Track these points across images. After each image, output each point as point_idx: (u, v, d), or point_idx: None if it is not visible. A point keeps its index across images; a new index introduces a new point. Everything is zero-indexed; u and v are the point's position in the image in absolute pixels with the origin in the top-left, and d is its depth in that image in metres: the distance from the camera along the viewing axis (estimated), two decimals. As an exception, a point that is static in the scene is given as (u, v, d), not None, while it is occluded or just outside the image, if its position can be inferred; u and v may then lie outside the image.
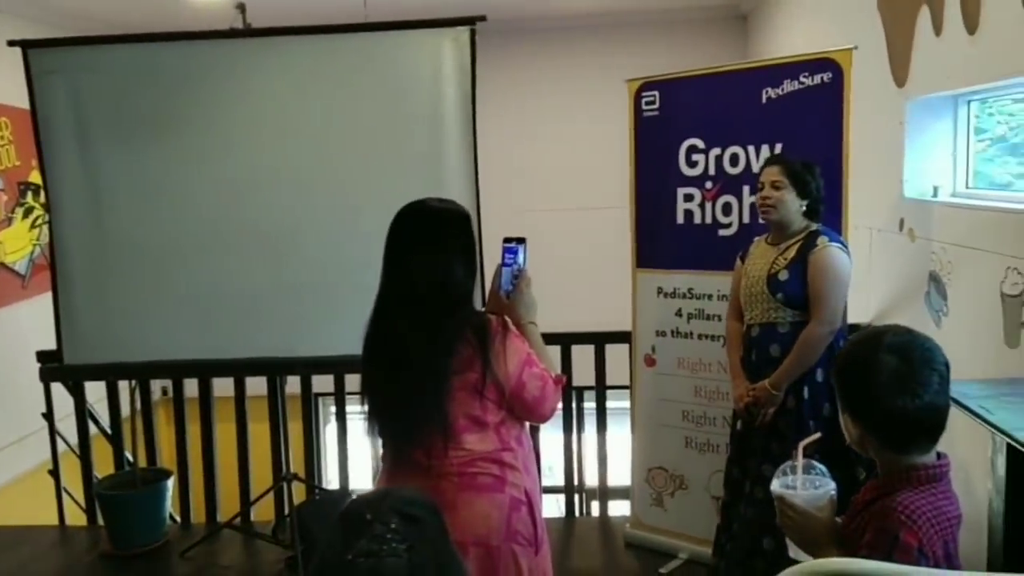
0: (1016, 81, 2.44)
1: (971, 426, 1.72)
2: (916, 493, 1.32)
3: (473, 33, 3.21)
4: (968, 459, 2.34)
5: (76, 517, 3.95)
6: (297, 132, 3.32)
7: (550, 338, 2.30)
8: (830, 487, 1.45)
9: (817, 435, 1.56)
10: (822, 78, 2.87)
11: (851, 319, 2.72)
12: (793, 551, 1.46)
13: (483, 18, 3.21)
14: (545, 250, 3.49)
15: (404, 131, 3.31)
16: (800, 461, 1.46)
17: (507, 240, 1.93)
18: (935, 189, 3.03)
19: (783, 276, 2.54)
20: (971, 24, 2.54)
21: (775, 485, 1.47)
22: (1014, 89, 2.62)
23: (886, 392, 1.32)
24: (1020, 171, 2.81)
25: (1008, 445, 1.53)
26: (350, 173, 3.32)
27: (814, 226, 2.60)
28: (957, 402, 1.61)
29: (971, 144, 2.97)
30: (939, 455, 1.38)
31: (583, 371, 3.63)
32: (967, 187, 2.97)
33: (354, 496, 1.03)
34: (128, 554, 3.44)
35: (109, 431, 3.89)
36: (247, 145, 3.33)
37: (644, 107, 3.28)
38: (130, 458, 3.73)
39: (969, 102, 2.94)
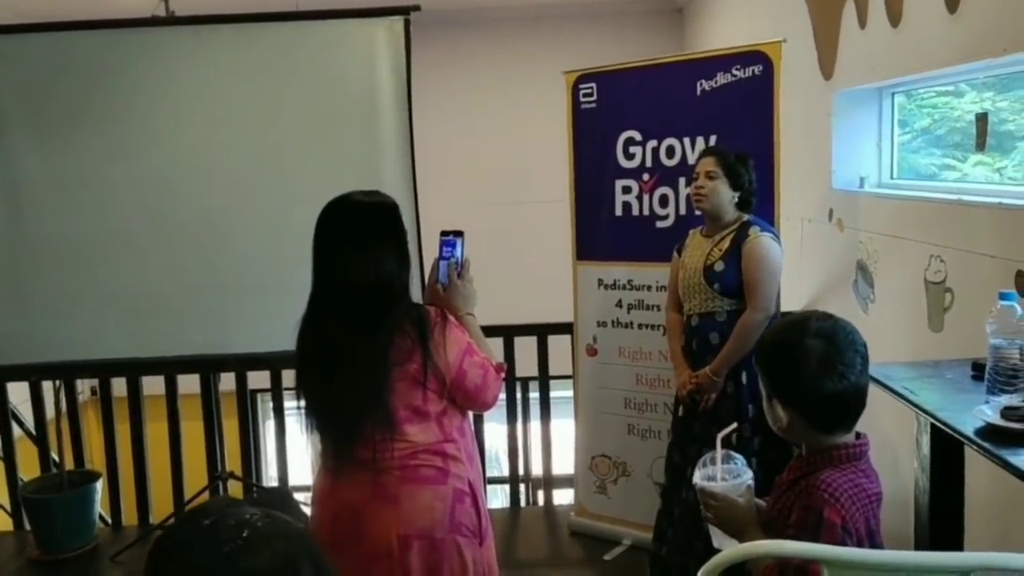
0: (937, 73, 2.54)
1: (897, 408, 1.78)
2: (838, 471, 1.37)
3: (407, 22, 3.17)
4: (895, 440, 2.43)
5: (1, 522, 3.80)
6: (225, 125, 3.23)
7: (493, 330, 2.30)
8: (747, 476, 1.49)
9: (733, 426, 1.61)
10: (753, 70, 2.93)
11: (783, 307, 2.79)
12: (717, 540, 1.49)
13: (417, 7, 3.17)
14: (486, 244, 3.49)
15: (338, 123, 3.25)
16: (719, 452, 1.49)
17: (444, 233, 1.93)
18: (862, 180, 3.13)
19: (719, 267, 2.60)
20: (894, 17, 2.63)
21: (697, 477, 1.51)
22: (936, 81, 2.72)
23: (815, 376, 1.37)
24: (943, 162, 2.91)
25: (932, 425, 1.59)
26: (281, 167, 3.25)
27: (746, 217, 2.66)
28: (884, 384, 1.67)
29: (896, 135, 3.08)
30: (858, 435, 1.43)
31: (526, 362, 3.65)
32: (892, 178, 3.08)
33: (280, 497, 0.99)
34: (57, 559, 3.33)
35: (34, 432, 3.75)
36: (172, 138, 3.23)
37: (582, 99, 3.30)
38: (56, 459, 3.61)
39: (893, 94, 3.04)
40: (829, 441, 1.40)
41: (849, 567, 1.10)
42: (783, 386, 1.41)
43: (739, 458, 1.51)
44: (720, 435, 1.50)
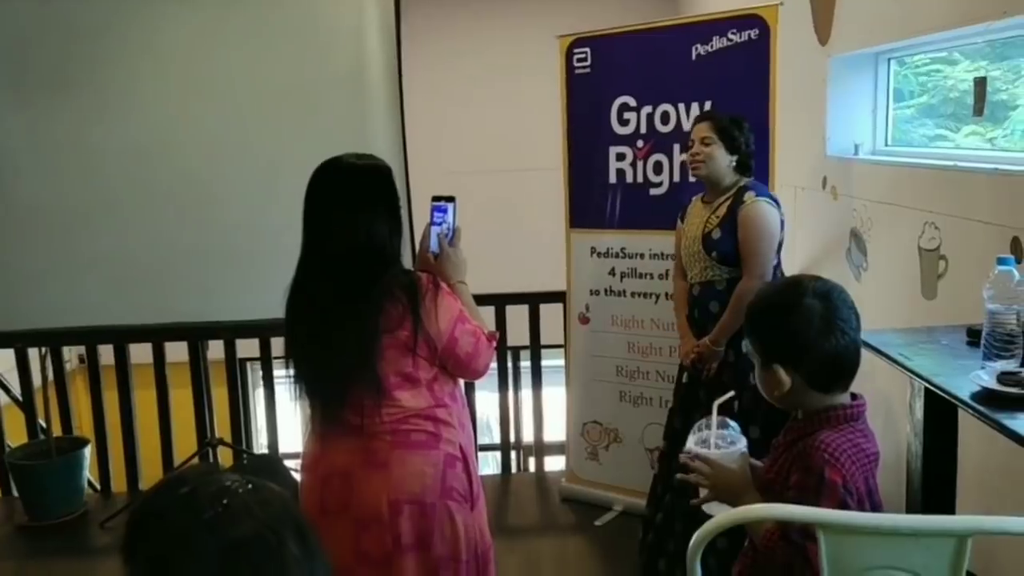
0: (935, 37, 2.50)
1: (892, 374, 1.77)
2: (836, 432, 1.36)
3: (397, -16, 3.11)
4: (886, 406, 2.43)
5: (-12, 489, 3.78)
6: (209, 89, 3.17)
7: (485, 299, 2.28)
8: (742, 444, 1.48)
9: (730, 394, 1.59)
10: (750, 35, 2.89)
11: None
12: (707, 506, 1.48)
13: (408, -32, 3.11)
14: (478, 212, 3.45)
15: (325, 88, 3.19)
16: (715, 418, 1.48)
17: (436, 199, 1.89)
18: (856, 147, 3.11)
19: (716, 235, 2.56)
20: (893, -19, 2.58)
21: (690, 442, 1.50)
22: (933, 46, 2.68)
23: (820, 334, 1.36)
24: (936, 133, 2.89)
25: (926, 389, 1.59)
26: (267, 132, 3.19)
27: (743, 181, 2.62)
28: (878, 351, 1.66)
29: (891, 102, 3.05)
30: (854, 395, 1.43)
31: (518, 331, 3.64)
32: (887, 145, 3.05)
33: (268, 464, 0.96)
34: (45, 525, 3.33)
35: (21, 399, 3.72)
36: (156, 103, 3.17)
37: (576, 64, 3.25)
38: (43, 425, 3.59)
39: (889, 60, 3.01)
40: (827, 402, 1.40)
41: (846, 530, 1.10)
42: (787, 349, 1.39)
43: (734, 425, 1.50)
44: (717, 402, 1.49)
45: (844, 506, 1.26)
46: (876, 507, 1.34)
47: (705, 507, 1.48)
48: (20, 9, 3.11)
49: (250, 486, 0.84)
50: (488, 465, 4.90)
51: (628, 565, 2.87)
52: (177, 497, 0.83)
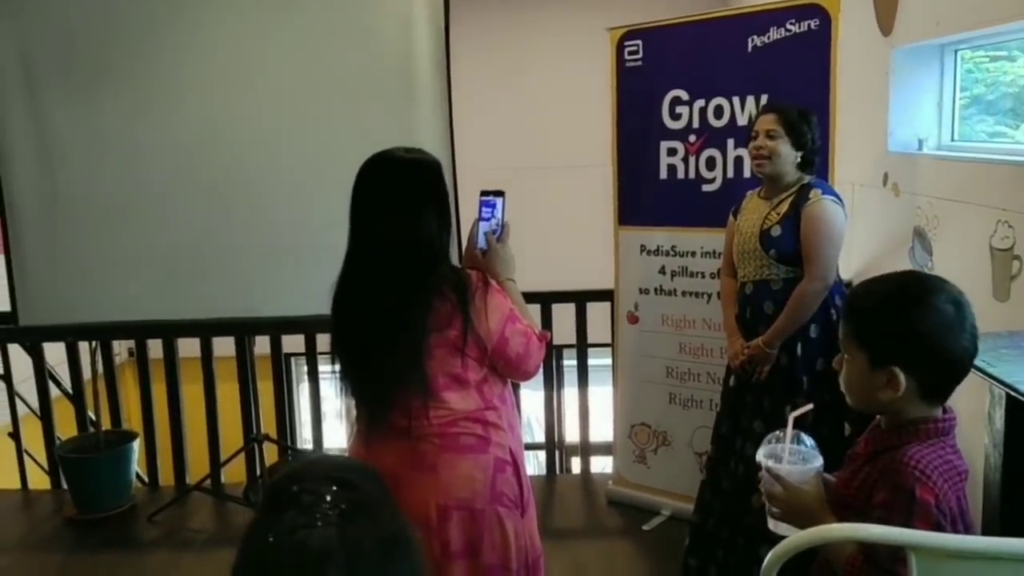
0: (1007, 28, 2.37)
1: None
2: (925, 447, 1.26)
3: (446, -24, 3.06)
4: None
5: (39, 480, 3.84)
6: (254, 82, 3.17)
7: (531, 297, 2.23)
8: (817, 463, 1.38)
9: (809, 406, 1.49)
10: (809, 25, 2.78)
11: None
12: (773, 524, 1.39)
13: (456, -39, 3.06)
14: (526, 208, 3.39)
15: (373, 80, 3.17)
16: (789, 431, 1.39)
17: (484, 193, 1.84)
18: (920, 142, 2.98)
19: (775, 232, 2.45)
20: (964, -32, 2.46)
21: (760, 454, 1.41)
22: (1002, 36, 2.55)
23: (949, 339, 1.26)
24: (995, 129, 2.76)
25: (1008, 397, 1.49)
26: (315, 125, 3.18)
27: (807, 178, 2.49)
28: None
29: (957, 95, 2.91)
30: (944, 409, 1.32)
31: (564, 329, 3.57)
32: (953, 140, 2.92)
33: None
34: (94, 518, 3.36)
35: (71, 392, 3.77)
36: (200, 96, 3.18)
37: (627, 57, 3.17)
38: (93, 418, 3.62)
39: (956, 51, 2.87)
40: (913, 414, 1.29)
41: (942, 554, 1.01)
42: (912, 351, 1.27)
43: (810, 442, 1.39)
44: (793, 414, 1.38)
45: (938, 528, 1.16)
46: (968, 528, 1.24)
47: (769, 522, 1.39)
48: (67, 4, 3.13)
49: (343, 515, 0.80)
50: (530, 464, 4.85)
51: (676, 570, 2.79)
52: (284, 495, 0.81)
